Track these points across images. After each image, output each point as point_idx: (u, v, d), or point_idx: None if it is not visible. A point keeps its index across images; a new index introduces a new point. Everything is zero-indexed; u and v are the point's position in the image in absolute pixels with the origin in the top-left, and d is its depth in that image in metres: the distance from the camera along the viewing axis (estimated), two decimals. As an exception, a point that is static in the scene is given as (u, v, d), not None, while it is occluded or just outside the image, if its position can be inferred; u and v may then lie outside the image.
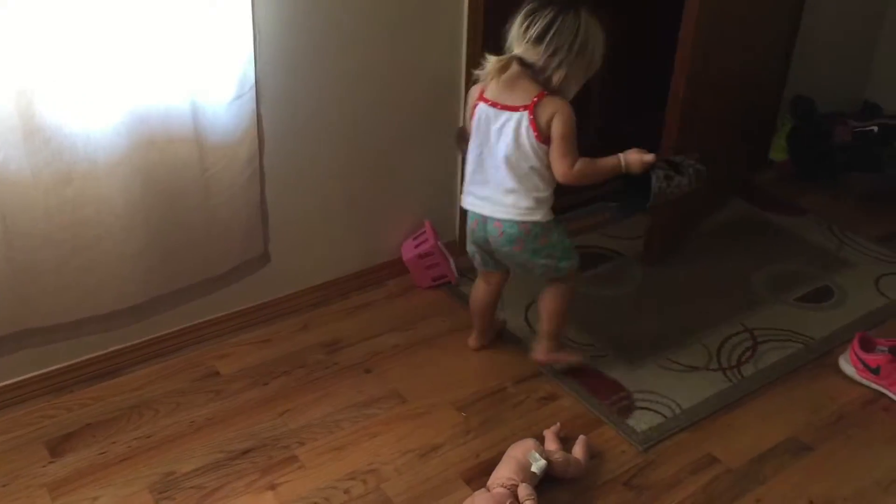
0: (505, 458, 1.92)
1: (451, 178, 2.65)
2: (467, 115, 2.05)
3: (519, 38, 1.92)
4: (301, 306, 2.48)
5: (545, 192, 2.00)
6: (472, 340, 2.37)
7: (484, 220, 2.06)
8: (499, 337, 2.41)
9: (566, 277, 2.15)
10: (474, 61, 2.45)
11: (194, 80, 1.91)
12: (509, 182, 1.98)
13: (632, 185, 2.05)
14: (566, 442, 2.04)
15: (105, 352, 2.22)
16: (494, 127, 1.96)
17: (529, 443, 1.94)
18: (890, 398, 2.22)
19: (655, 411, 2.17)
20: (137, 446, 2.02)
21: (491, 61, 1.91)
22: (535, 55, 1.90)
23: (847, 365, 2.30)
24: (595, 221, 2.99)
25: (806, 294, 2.63)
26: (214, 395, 2.18)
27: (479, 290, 2.27)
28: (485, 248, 2.12)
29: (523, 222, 2.01)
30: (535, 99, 1.91)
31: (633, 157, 2.01)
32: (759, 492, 1.95)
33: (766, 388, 2.27)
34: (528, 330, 2.44)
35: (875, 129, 3.38)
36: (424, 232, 2.60)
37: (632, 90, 2.97)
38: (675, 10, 2.42)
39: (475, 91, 2.01)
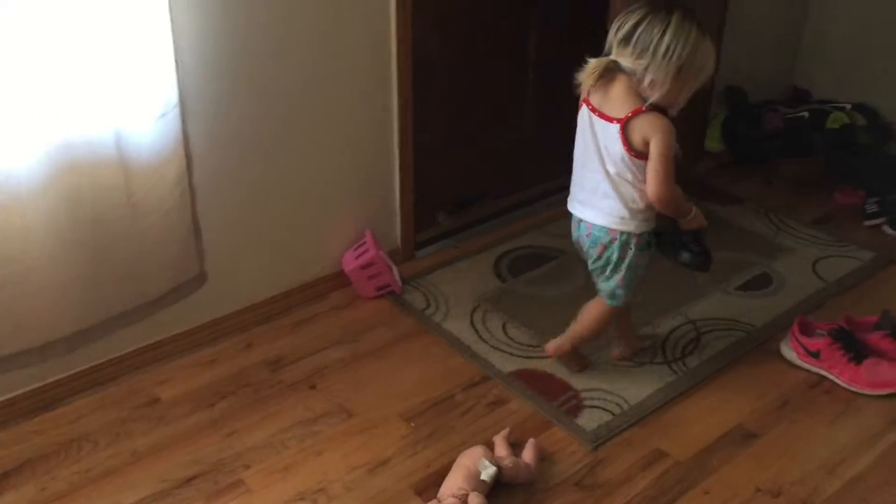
0: (455, 467, 1.91)
1: (389, 187, 2.62)
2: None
3: (612, 39, 1.88)
4: (243, 325, 2.44)
5: (641, 204, 1.97)
6: (614, 352, 2.33)
7: (578, 221, 2.10)
8: (640, 353, 2.35)
9: (611, 307, 2.15)
10: (404, 69, 2.45)
11: (114, 101, 1.86)
12: (608, 189, 1.98)
13: (696, 243, 2.08)
14: (517, 446, 2.03)
15: (41, 384, 2.15)
16: (595, 133, 1.95)
17: (478, 450, 1.93)
18: (831, 381, 2.26)
19: (604, 409, 2.17)
20: (77, 481, 1.96)
21: (589, 64, 1.90)
22: (625, 57, 1.86)
23: (788, 350, 2.33)
24: (536, 220, 3.00)
25: (746, 282, 2.66)
26: (156, 422, 2.13)
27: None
28: (578, 248, 2.15)
29: (612, 229, 2.01)
30: (630, 114, 1.87)
31: (700, 215, 2.04)
32: (707, 483, 1.97)
33: (711, 378, 2.29)
34: (474, 335, 2.43)
35: (805, 114, 3.45)
36: (365, 242, 2.57)
37: (569, 83, 2.98)
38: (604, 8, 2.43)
39: (583, 91, 1.98)
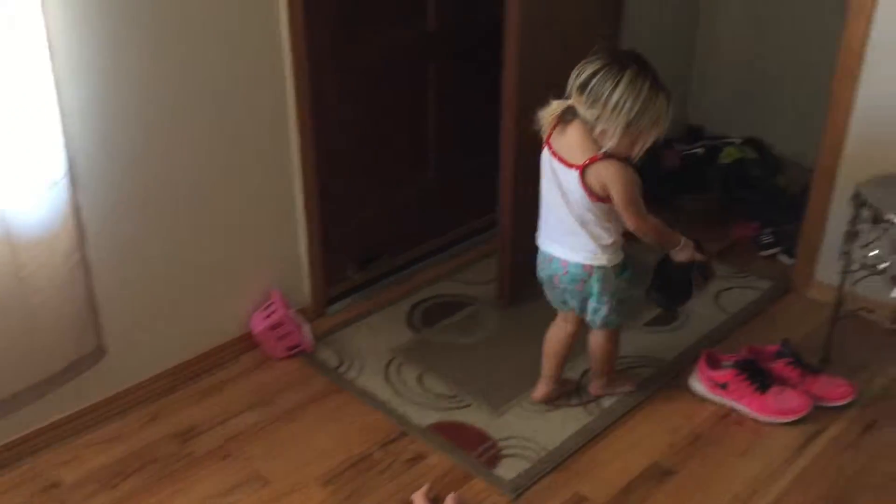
0: (374, 530, 1.87)
1: (295, 245, 2.59)
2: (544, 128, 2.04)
3: (571, 84, 1.92)
4: (148, 396, 2.35)
5: (608, 240, 2.04)
6: (538, 390, 2.33)
7: (550, 258, 2.12)
8: (567, 396, 2.37)
9: (612, 330, 2.22)
10: (304, 127, 2.43)
11: (-3, 175, 1.79)
12: (574, 227, 2.02)
13: (669, 279, 2.18)
14: (437, 502, 2.00)
15: (-72, 477, 2.02)
16: (557, 175, 2.00)
17: (397, 511, 1.90)
18: (740, 411, 2.31)
19: (522, 456, 2.17)
20: (-29, 579, 1.84)
21: (550, 106, 1.95)
22: (580, 104, 1.90)
23: (697, 384, 2.38)
24: (447, 269, 3.00)
25: (653, 318, 2.71)
26: (57, 508, 2.02)
27: (553, 330, 2.29)
28: (549, 284, 2.17)
29: (587, 265, 2.05)
30: (587, 161, 1.91)
31: (690, 247, 2.11)
32: (628, 525, 1.98)
33: (626, 416, 2.31)
34: (390, 390, 2.40)
35: (700, 151, 3.57)
36: (273, 302, 2.52)
37: (469, 128, 3.01)
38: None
39: (544, 133, 2.02)
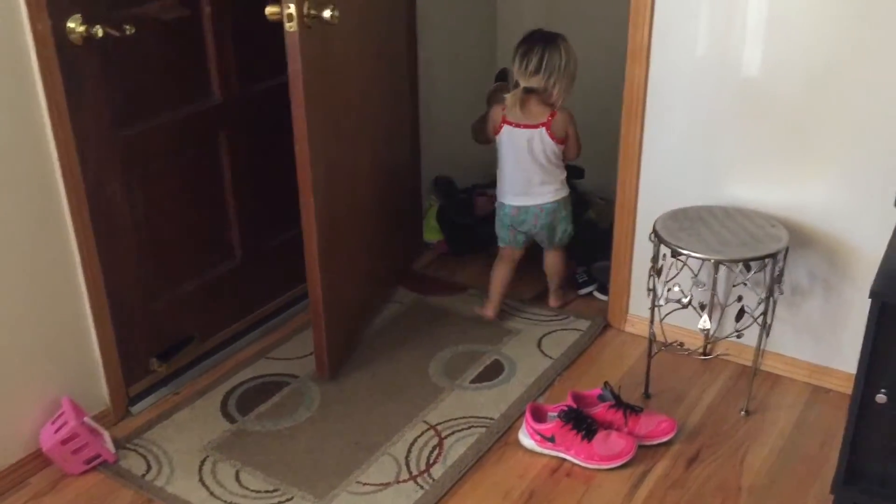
0: None
1: (85, 344, 2.35)
2: (491, 126, 2.76)
3: (521, 74, 2.65)
4: (-84, 545, 2.04)
5: (562, 175, 2.79)
6: (489, 311, 2.95)
7: (527, 209, 2.77)
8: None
9: (566, 243, 2.92)
10: (79, 219, 2.22)
11: None
12: (543, 176, 2.74)
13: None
14: None
15: None
16: (522, 141, 2.69)
17: None
18: (571, 462, 2.28)
19: (353, 547, 2.03)
20: None
21: (509, 96, 2.67)
22: (536, 82, 2.64)
23: (526, 438, 2.34)
24: (260, 348, 2.83)
25: (479, 374, 2.65)
26: None
27: (500, 269, 2.94)
28: (522, 228, 2.82)
29: (558, 199, 2.77)
30: (550, 118, 2.67)
31: None
32: None
33: (459, 484, 2.23)
34: (204, 492, 2.20)
35: (511, 194, 3.58)
36: (63, 412, 2.26)
37: (272, 198, 2.88)
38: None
39: (497, 113, 2.73)
